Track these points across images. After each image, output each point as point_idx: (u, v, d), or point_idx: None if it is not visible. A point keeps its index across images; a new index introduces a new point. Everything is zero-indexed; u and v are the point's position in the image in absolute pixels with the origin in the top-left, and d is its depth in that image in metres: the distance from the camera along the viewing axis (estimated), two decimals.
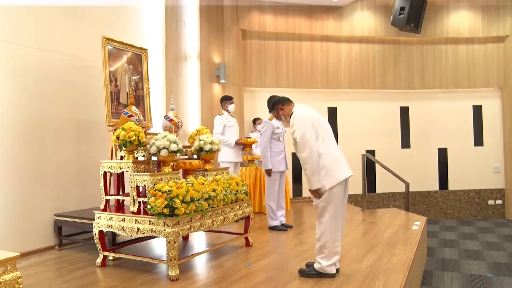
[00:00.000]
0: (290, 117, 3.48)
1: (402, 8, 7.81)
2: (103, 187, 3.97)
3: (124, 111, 4.13)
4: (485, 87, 9.17)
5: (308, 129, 3.28)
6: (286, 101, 3.64)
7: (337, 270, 3.43)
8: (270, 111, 3.83)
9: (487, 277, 5.14)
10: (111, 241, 4.18)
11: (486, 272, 5.32)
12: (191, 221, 3.53)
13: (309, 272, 3.40)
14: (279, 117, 3.68)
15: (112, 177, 4.23)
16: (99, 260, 3.82)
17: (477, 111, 9.27)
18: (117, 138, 3.68)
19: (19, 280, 2.43)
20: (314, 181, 3.24)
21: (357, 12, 8.79)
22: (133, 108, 4.15)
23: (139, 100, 4.94)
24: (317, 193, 3.28)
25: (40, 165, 4.45)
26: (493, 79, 9.13)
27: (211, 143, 4.29)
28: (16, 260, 2.45)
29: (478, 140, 9.24)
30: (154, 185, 3.48)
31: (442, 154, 9.23)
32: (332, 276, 3.33)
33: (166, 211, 3.28)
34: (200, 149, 4.30)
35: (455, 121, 9.20)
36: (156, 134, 3.95)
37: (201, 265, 3.87)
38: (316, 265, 3.36)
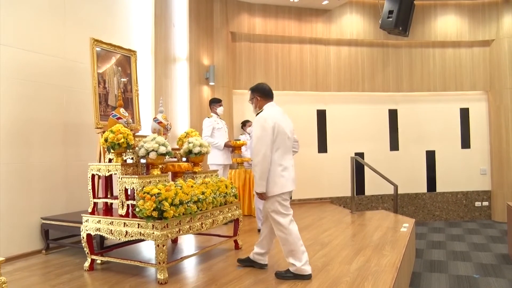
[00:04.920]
0: (257, 114, 3.52)
1: (390, 12, 7.89)
2: (91, 190, 3.93)
3: (112, 113, 4.10)
4: (472, 90, 9.30)
5: (268, 133, 3.32)
6: (267, 96, 3.60)
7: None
8: (251, 89, 3.70)
9: (474, 278, 5.20)
10: (99, 244, 4.14)
11: (473, 273, 5.38)
12: (180, 224, 3.51)
13: (285, 274, 3.43)
14: (252, 103, 3.67)
15: (100, 180, 4.19)
16: (87, 264, 3.78)
17: (464, 114, 9.38)
18: (106, 140, 3.66)
19: (3, 286, 2.39)
20: (260, 185, 3.35)
21: (346, 15, 8.85)
22: (122, 110, 4.12)
23: (128, 102, 4.90)
24: (262, 196, 3.40)
25: (26, 168, 4.39)
26: (480, 83, 9.27)
27: (200, 145, 4.28)
28: (1, 264, 2.41)
29: (465, 142, 9.36)
30: (143, 188, 3.46)
31: (430, 156, 9.32)
32: (308, 276, 3.36)
33: (154, 214, 3.26)
34: (189, 151, 4.29)
35: (442, 123, 9.31)
36: (145, 136, 3.93)
37: (190, 268, 3.85)
38: (291, 268, 3.40)
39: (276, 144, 3.38)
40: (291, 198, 3.56)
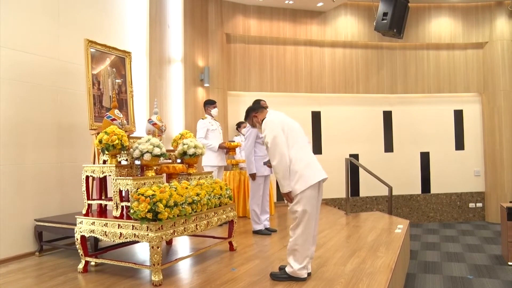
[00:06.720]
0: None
1: (385, 14, 7.92)
2: (85, 192, 3.91)
3: (107, 114, 4.09)
4: (465, 92, 9.37)
5: (279, 134, 3.29)
6: (259, 109, 3.64)
7: (309, 274, 3.44)
8: (245, 119, 3.79)
9: (468, 278, 5.22)
10: (93, 246, 4.12)
11: (467, 274, 5.40)
12: (174, 225, 3.50)
13: (280, 275, 3.40)
14: (253, 125, 3.68)
15: (94, 182, 4.17)
16: (81, 266, 3.76)
17: (458, 115, 9.44)
18: (100, 142, 3.64)
19: None
20: (285, 185, 3.26)
21: (341, 17, 8.89)
22: (116, 111, 4.10)
23: (122, 103, 4.89)
24: (289, 196, 3.30)
25: (20, 169, 4.36)
26: (473, 85, 9.33)
27: (195, 147, 4.28)
28: None
29: (459, 144, 9.41)
30: (137, 189, 3.45)
31: (425, 158, 9.37)
32: (303, 280, 3.34)
33: (149, 215, 3.25)
34: (184, 153, 4.28)
35: (437, 125, 9.37)
36: (140, 138, 3.92)
37: (184, 270, 3.84)
38: (287, 269, 3.37)
39: (290, 141, 3.33)
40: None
